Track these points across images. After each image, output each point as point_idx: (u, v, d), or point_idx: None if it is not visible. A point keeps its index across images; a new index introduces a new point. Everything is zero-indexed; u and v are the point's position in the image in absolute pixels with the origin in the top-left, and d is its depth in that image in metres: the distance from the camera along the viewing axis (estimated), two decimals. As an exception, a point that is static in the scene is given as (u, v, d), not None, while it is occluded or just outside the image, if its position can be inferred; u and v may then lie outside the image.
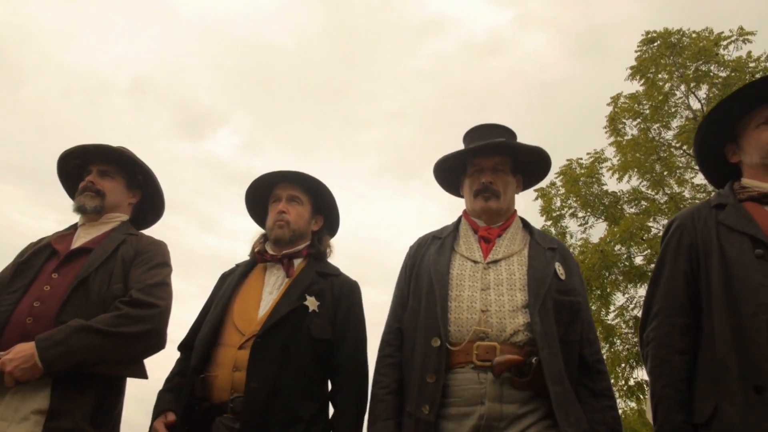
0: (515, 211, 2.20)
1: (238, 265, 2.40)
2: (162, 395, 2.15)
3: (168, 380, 2.22)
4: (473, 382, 1.77)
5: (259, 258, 2.32)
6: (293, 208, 2.34)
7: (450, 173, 2.27)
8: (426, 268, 2.02)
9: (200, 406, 2.01)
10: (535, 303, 1.83)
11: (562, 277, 1.94)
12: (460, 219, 2.20)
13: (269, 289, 2.22)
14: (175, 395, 2.13)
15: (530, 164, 2.20)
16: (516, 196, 2.24)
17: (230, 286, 2.25)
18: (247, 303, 2.18)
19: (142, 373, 2.10)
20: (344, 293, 2.25)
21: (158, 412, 2.10)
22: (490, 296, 1.88)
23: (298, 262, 2.30)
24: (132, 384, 2.14)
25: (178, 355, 2.29)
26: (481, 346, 1.79)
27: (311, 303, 2.14)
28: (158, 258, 2.21)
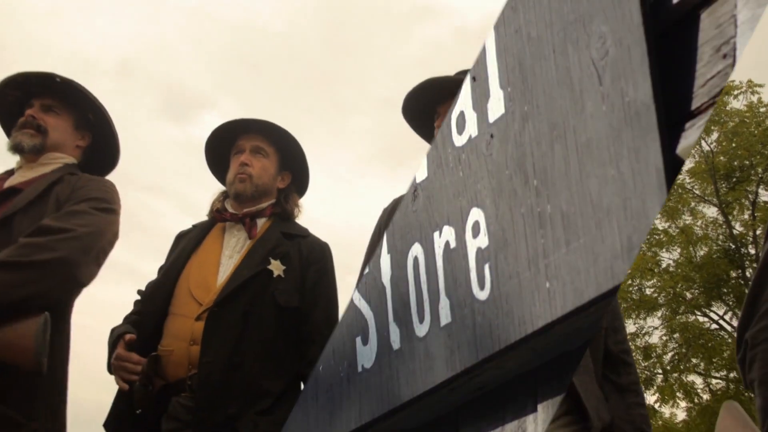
0: None
1: (195, 226, 2.14)
2: (116, 327, 1.93)
3: (125, 318, 2.00)
4: None
5: (218, 217, 2.06)
6: (257, 161, 2.06)
7: None
8: None
9: (154, 386, 1.77)
10: None
11: None
12: None
13: (229, 253, 1.98)
14: (131, 326, 1.90)
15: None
16: None
17: (185, 250, 2.01)
18: (204, 269, 1.95)
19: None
20: (314, 256, 2.01)
21: (115, 338, 1.86)
22: None
23: (261, 222, 2.04)
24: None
25: None
26: None
27: (276, 267, 1.91)
28: (95, 193, 1.84)
